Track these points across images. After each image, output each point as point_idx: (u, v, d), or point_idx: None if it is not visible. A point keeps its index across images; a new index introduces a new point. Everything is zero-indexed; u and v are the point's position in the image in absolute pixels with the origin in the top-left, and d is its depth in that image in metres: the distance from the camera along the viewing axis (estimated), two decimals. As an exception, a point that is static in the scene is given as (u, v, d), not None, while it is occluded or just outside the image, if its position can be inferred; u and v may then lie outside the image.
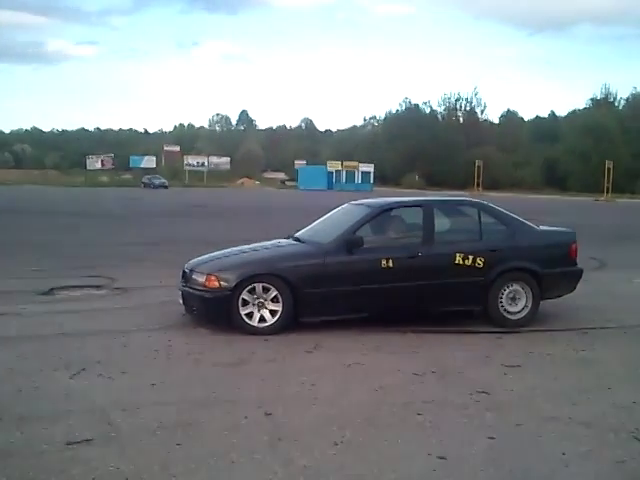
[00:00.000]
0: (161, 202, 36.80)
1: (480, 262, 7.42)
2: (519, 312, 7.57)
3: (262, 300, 7.00)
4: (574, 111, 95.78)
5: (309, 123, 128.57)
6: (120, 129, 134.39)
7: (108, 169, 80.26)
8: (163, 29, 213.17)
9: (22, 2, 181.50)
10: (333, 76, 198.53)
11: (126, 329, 7.09)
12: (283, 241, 8.01)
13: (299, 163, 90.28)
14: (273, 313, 7.01)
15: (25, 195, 41.71)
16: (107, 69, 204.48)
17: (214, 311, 7.12)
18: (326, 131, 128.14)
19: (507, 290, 7.54)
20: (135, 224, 21.80)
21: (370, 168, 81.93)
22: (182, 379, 5.50)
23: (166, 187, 65.37)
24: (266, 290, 7.00)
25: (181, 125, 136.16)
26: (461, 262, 7.39)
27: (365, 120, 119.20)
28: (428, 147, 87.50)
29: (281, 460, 3.91)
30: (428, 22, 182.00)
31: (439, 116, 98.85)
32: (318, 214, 8.91)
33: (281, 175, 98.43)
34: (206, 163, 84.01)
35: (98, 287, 9.74)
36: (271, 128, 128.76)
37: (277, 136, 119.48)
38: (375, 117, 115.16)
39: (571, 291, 8.07)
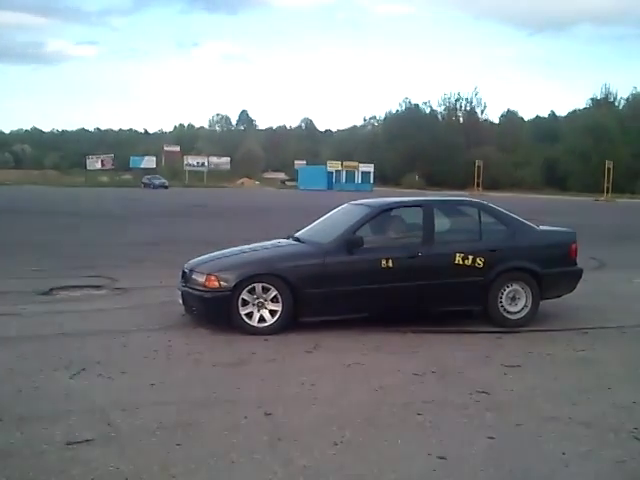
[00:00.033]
0: (161, 202, 36.79)
1: (480, 262, 7.42)
2: (519, 312, 7.57)
3: (262, 300, 7.00)
4: (574, 111, 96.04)
5: (309, 123, 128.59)
6: (120, 129, 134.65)
7: (108, 169, 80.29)
8: (163, 29, 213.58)
9: (22, 2, 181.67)
10: (333, 76, 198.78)
11: (126, 329, 7.09)
12: (283, 241, 8.01)
13: (299, 163, 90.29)
14: (273, 313, 7.01)
15: (25, 195, 41.70)
16: (107, 69, 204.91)
17: (214, 311, 7.12)
18: (326, 131, 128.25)
19: (507, 290, 7.54)
20: (135, 224, 21.79)
21: (370, 168, 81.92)
22: (182, 379, 5.50)
23: (166, 187, 65.36)
24: (266, 290, 7.00)
25: (181, 125, 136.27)
26: (461, 262, 7.39)
27: (365, 120, 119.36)
28: (428, 147, 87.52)
29: (281, 460, 3.91)
30: (428, 22, 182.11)
31: (439, 116, 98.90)
32: (318, 214, 8.91)
33: (281, 175, 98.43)
34: (206, 163, 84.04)
35: (98, 287, 9.74)
36: (271, 128, 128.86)
37: (277, 136, 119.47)
38: (375, 117, 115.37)
39: (571, 291, 8.08)
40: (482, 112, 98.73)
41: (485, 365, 6.07)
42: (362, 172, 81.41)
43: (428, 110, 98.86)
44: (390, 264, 7.22)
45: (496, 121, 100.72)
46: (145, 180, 69.12)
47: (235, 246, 8.19)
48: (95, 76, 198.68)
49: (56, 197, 40.20)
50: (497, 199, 30.43)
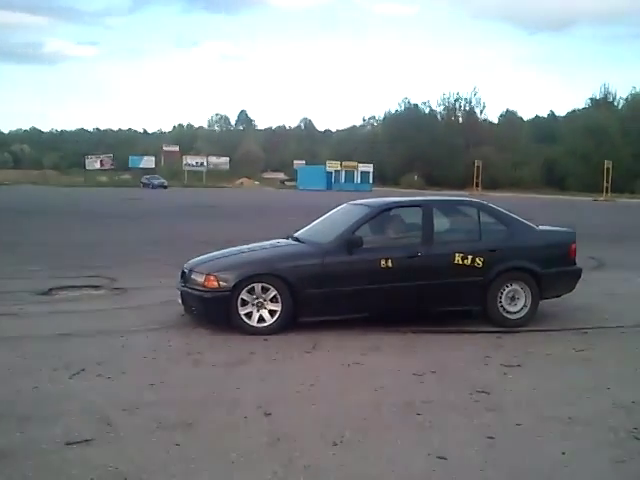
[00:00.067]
0: (161, 202, 36.78)
1: (479, 262, 7.43)
2: (518, 312, 7.57)
3: (261, 300, 7.00)
4: (573, 111, 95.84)
5: (308, 123, 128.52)
6: (119, 129, 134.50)
7: (107, 169, 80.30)
8: (162, 29, 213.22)
9: (21, 2, 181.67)
10: (332, 76, 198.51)
11: (125, 329, 7.09)
12: (282, 241, 8.01)
13: (298, 163, 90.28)
14: (272, 313, 7.01)
15: (24, 195, 41.69)
16: (106, 69, 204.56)
17: (213, 311, 7.12)
18: (325, 131, 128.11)
19: (506, 290, 7.54)
20: (135, 224, 21.79)
21: (369, 168, 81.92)
22: (181, 379, 5.50)
23: (165, 187, 65.41)
24: (265, 290, 7.00)
25: (180, 125, 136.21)
26: (460, 262, 7.40)
27: (364, 120, 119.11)
28: (427, 147, 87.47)
29: (281, 460, 3.91)
30: (427, 22, 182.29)
31: (438, 116, 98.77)
32: (317, 214, 8.91)
33: (280, 175, 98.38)
34: (205, 163, 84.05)
35: (97, 287, 9.74)
36: (270, 128, 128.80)
37: (276, 136, 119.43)
38: (374, 117, 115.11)
39: (570, 291, 8.08)
40: (481, 112, 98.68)
41: (485, 365, 6.07)
42: (361, 172, 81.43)
43: (427, 110, 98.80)
44: (390, 264, 7.22)
45: (495, 121, 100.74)
46: (144, 180, 69.14)
47: (234, 246, 8.19)
48: (94, 76, 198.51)
49: (55, 197, 40.19)
50: (496, 199, 30.45)
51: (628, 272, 11.82)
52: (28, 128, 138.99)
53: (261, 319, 7.00)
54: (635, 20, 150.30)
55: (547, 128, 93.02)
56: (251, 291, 6.98)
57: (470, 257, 7.41)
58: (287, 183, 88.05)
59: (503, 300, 7.52)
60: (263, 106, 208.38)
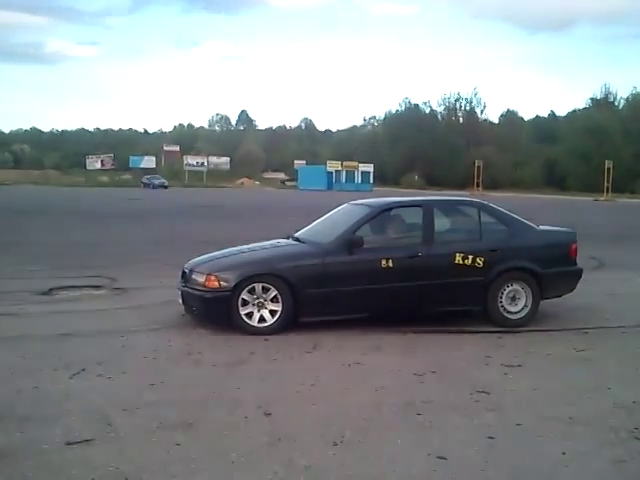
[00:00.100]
0: (161, 202, 36.78)
1: (480, 262, 7.42)
2: (519, 312, 7.57)
3: (262, 300, 6.99)
4: (574, 111, 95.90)
5: (309, 123, 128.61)
6: (120, 129, 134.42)
7: (108, 169, 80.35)
8: (163, 29, 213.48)
9: (22, 2, 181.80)
10: (333, 76, 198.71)
11: (126, 329, 7.09)
12: (283, 241, 8.01)
13: (299, 163, 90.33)
14: (273, 313, 7.00)
15: (24, 195, 41.68)
16: (107, 69, 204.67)
17: (214, 311, 7.12)
18: (326, 131, 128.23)
19: (507, 290, 7.54)
20: (135, 224, 21.79)
21: (370, 168, 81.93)
22: (182, 379, 5.50)
23: (166, 187, 65.44)
24: (266, 290, 7.00)
25: (181, 125, 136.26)
26: (461, 262, 7.39)
27: (365, 120, 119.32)
28: (428, 147, 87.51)
29: (281, 460, 3.91)
30: (428, 22, 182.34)
31: (439, 116, 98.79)
32: (318, 214, 8.91)
33: (281, 175, 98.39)
34: (206, 163, 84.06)
35: (98, 287, 9.74)
36: (271, 128, 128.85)
37: (277, 136, 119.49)
38: (375, 117, 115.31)
39: (571, 291, 8.08)
40: (482, 112, 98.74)
41: (485, 365, 6.07)
42: (362, 172, 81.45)
43: (428, 110, 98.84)
44: (390, 264, 7.22)
45: (496, 121, 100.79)
46: (145, 180, 69.18)
47: (234, 246, 8.19)
48: (95, 76, 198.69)
49: (56, 197, 40.20)
50: (497, 199, 30.44)
51: (629, 272, 11.82)
52: (29, 128, 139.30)
53: (262, 319, 7.00)
54: (635, 20, 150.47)
55: (548, 128, 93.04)
56: (252, 291, 6.98)
57: (471, 257, 7.41)
58: (287, 183, 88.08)
59: (504, 300, 7.52)
60: (264, 106, 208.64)
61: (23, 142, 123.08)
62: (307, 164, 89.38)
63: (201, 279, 7.13)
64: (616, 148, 74.48)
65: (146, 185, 66.61)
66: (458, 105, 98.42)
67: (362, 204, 8.21)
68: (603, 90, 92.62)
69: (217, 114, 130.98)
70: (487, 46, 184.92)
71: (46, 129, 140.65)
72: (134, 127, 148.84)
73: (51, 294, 9.12)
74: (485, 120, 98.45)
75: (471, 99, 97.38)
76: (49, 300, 8.76)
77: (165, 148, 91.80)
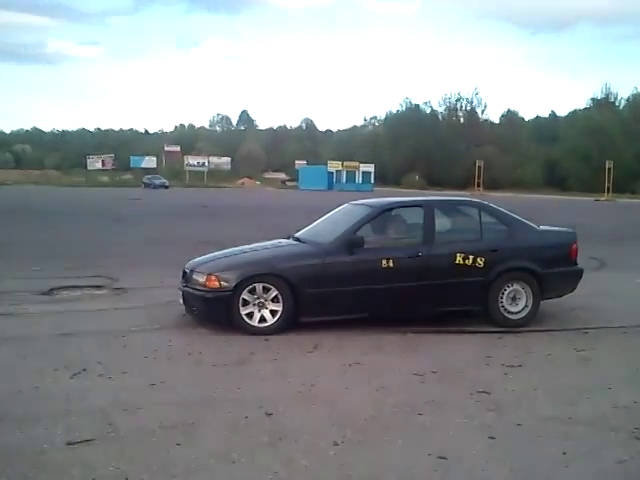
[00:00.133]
0: (162, 202, 36.78)
1: (481, 262, 7.42)
2: (519, 312, 7.57)
3: (262, 300, 7.00)
4: (575, 111, 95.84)
5: (309, 123, 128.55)
6: (121, 129, 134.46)
7: (109, 169, 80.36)
8: (164, 29, 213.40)
9: (24, 3, 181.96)
10: (333, 76, 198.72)
11: (126, 329, 7.09)
12: (283, 241, 8.01)
13: (299, 163, 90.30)
14: (273, 313, 7.01)
15: (25, 195, 41.66)
16: (108, 69, 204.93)
17: (214, 311, 7.12)
18: (326, 131, 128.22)
19: (507, 290, 7.54)
20: (135, 224, 21.79)
21: (370, 168, 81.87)
22: (182, 379, 5.50)
23: (167, 187, 65.48)
24: (266, 290, 7.00)
25: (181, 125, 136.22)
26: (462, 262, 7.39)
27: (366, 120, 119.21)
28: (429, 147, 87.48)
29: (281, 460, 3.91)
30: (428, 22, 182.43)
31: (440, 116, 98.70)
32: (318, 214, 8.91)
33: (282, 175, 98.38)
34: (206, 163, 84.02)
35: (98, 287, 9.74)
36: (272, 128, 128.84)
37: (278, 136, 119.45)
38: (376, 117, 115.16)
39: (571, 291, 8.08)
40: (482, 112, 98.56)
41: (486, 365, 6.07)
42: (363, 172, 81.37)
43: (429, 110, 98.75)
44: (391, 264, 7.22)
45: (496, 121, 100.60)
46: (145, 180, 69.20)
47: (236, 246, 8.20)
48: (96, 76, 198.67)
49: (56, 197, 40.21)
50: (498, 199, 30.42)
51: (629, 272, 11.81)
52: (30, 128, 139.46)
53: (262, 319, 7.00)
54: (636, 20, 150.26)
55: (548, 128, 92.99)
56: (252, 291, 6.98)
57: (471, 257, 7.41)
58: (288, 183, 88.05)
59: (504, 300, 7.52)
60: (264, 106, 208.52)
61: (24, 142, 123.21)
62: (308, 164, 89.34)
63: (202, 279, 7.13)
64: (617, 148, 74.42)
65: (147, 185, 66.64)
66: (459, 105, 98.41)
67: (363, 204, 8.21)
68: (604, 90, 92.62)
69: (218, 114, 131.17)
70: (488, 46, 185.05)
71: (47, 129, 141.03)
72: (135, 127, 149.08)
73: (52, 294, 9.12)
74: (486, 120, 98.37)
75: (472, 99, 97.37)
76: (50, 300, 8.77)
77: (166, 148, 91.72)
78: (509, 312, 7.54)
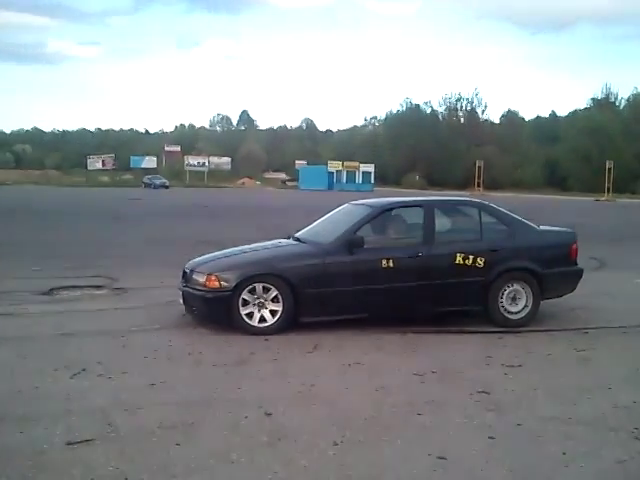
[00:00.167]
0: (162, 202, 36.78)
1: (481, 262, 7.42)
2: (519, 312, 7.57)
3: (262, 300, 7.00)
4: (575, 111, 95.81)
5: (310, 123, 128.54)
6: (121, 129, 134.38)
7: (109, 169, 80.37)
8: (164, 29, 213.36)
9: (24, 3, 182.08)
10: (334, 76, 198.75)
11: (126, 329, 7.09)
12: (283, 241, 8.01)
13: (300, 163, 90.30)
14: (273, 313, 7.01)
15: (25, 195, 41.68)
16: (108, 69, 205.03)
17: (214, 311, 7.12)
18: (327, 131, 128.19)
19: (507, 290, 7.54)
20: (135, 224, 21.79)
21: (371, 168, 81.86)
22: (182, 379, 5.50)
23: (167, 187, 65.52)
24: (266, 290, 7.00)
25: (182, 125, 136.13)
26: (462, 262, 7.39)
27: (366, 120, 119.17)
28: (429, 147, 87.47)
29: (281, 460, 3.91)
30: (429, 22, 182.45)
31: (440, 116, 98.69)
32: (318, 214, 8.90)
33: (282, 175, 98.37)
34: (207, 163, 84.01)
35: (98, 287, 9.74)
36: (272, 128, 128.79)
37: (278, 136, 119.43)
38: (376, 117, 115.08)
39: (571, 291, 8.08)
40: (483, 112, 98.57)
41: (485, 365, 6.07)
42: (363, 172, 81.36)
43: (429, 110, 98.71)
44: (391, 264, 7.22)
45: (497, 121, 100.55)
46: (146, 180, 69.23)
47: (236, 246, 8.20)
48: (96, 76, 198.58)
49: (57, 197, 40.21)
50: (498, 199, 30.41)
51: (629, 272, 11.80)
52: (30, 128, 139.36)
53: (262, 319, 7.00)
54: (636, 20, 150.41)
55: (549, 128, 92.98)
56: (252, 291, 6.98)
57: (471, 257, 7.41)
58: (288, 183, 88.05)
59: (504, 300, 7.52)
60: (265, 106, 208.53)
61: (24, 142, 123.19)
62: (308, 164, 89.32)
63: (202, 279, 7.13)
64: (617, 148, 74.42)
65: (147, 185, 66.68)
66: (459, 105, 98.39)
67: (363, 204, 8.21)
68: (604, 90, 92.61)
69: (218, 114, 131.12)
70: (488, 46, 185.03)
71: (47, 129, 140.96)
72: (135, 127, 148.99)
73: (52, 294, 9.13)
74: (486, 120, 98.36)
75: (472, 99, 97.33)
76: (50, 300, 8.77)
77: (166, 148, 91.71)
78: (509, 312, 7.54)
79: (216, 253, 7.93)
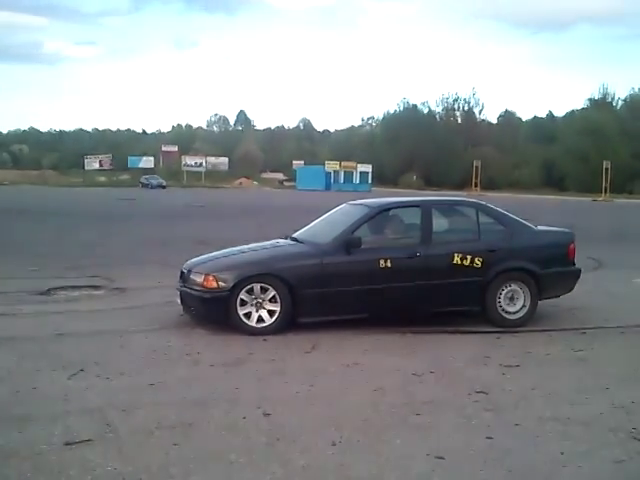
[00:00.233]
0: (159, 202, 36.75)
1: (478, 262, 7.43)
2: (517, 312, 7.58)
3: (260, 300, 6.99)
4: (572, 111, 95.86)
5: (307, 123, 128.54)
6: (118, 129, 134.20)
7: (106, 169, 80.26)
8: (161, 29, 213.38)
9: (21, 2, 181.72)
10: (331, 76, 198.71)
11: (124, 329, 7.09)
12: (281, 241, 8.01)
13: (297, 163, 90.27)
14: (271, 313, 7.00)
15: (23, 195, 41.62)
16: (105, 69, 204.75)
17: (212, 311, 7.12)
18: (324, 131, 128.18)
19: (505, 290, 7.54)
20: (133, 224, 21.77)
21: (368, 168, 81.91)
22: (180, 379, 5.49)
23: (164, 187, 65.52)
24: (264, 290, 7.00)
25: (179, 125, 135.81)
26: (459, 262, 7.40)
27: (363, 120, 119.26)
28: (426, 147, 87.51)
29: (279, 460, 3.91)
30: (426, 22, 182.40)
31: (437, 116, 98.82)
32: (316, 214, 8.90)
33: (279, 175, 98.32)
34: (204, 163, 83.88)
35: (96, 287, 9.73)
36: (269, 128, 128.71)
37: (275, 136, 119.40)
38: (373, 117, 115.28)
39: (569, 291, 8.08)
40: (480, 112, 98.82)
41: (484, 365, 6.07)
42: (360, 172, 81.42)
43: (426, 110, 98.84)
44: (388, 264, 7.22)
45: (494, 121, 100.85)
46: (143, 180, 69.21)
47: (233, 246, 8.19)
48: (93, 76, 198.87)
49: (54, 197, 40.14)
50: (495, 199, 30.43)
51: (627, 272, 11.81)
52: (27, 128, 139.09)
53: (260, 319, 7.00)
54: (634, 21, 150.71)
55: (546, 128, 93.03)
56: (250, 291, 6.98)
57: (469, 257, 7.41)
58: (286, 183, 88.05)
59: (502, 300, 7.53)
60: (262, 106, 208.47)
61: (21, 142, 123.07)
62: (305, 164, 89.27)
63: (199, 279, 7.13)
64: (614, 148, 74.53)
65: (144, 185, 66.65)
66: (456, 105, 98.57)
67: (360, 204, 8.21)
68: (601, 90, 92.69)
69: (215, 114, 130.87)
70: (485, 46, 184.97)
71: (44, 129, 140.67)
72: (132, 127, 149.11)
73: (50, 294, 9.12)
74: (483, 120, 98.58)
75: (469, 99, 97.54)
76: (47, 300, 8.76)
77: (163, 148, 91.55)
78: (507, 312, 7.54)
79: (214, 253, 7.92)
